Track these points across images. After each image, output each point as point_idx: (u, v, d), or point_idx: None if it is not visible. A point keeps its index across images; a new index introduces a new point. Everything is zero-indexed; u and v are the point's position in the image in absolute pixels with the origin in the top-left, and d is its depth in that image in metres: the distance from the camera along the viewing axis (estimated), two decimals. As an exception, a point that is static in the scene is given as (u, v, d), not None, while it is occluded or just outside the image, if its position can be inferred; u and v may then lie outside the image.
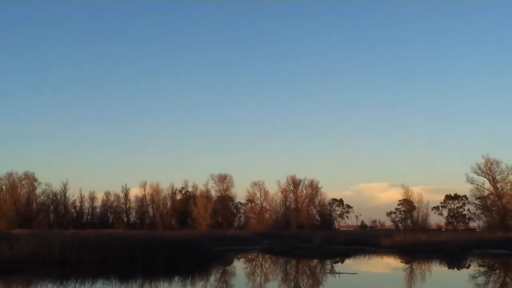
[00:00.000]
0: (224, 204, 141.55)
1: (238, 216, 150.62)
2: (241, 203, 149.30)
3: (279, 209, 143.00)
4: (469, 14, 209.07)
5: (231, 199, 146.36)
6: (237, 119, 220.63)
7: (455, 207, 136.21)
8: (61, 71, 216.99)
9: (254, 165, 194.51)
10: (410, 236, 66.58)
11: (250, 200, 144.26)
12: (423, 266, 43.89)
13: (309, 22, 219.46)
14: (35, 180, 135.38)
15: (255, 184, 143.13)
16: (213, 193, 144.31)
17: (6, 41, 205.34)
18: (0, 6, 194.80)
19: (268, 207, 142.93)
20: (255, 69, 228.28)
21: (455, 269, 43.42)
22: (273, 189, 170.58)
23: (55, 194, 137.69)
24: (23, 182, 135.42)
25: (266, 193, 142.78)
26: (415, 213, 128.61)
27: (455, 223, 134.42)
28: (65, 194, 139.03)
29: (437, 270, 40.80)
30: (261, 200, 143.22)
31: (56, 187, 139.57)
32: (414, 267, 43.32)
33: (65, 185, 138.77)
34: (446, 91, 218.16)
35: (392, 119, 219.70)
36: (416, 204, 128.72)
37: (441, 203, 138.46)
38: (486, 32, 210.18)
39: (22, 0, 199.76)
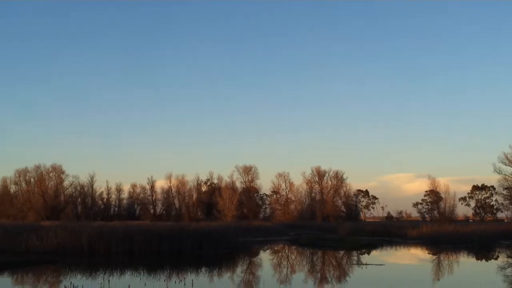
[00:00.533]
0: (249, 195, 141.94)
1: (264, 207, 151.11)
2: (266, 195, 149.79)
3: (304, 201, 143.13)
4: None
5: (256, 190, 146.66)
6: (262, 110, 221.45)
7: (482, 198, 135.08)
8: (87, 63, 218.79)
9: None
10: (437, 227, 66.10)
11: (275, 191, 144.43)
12: (451, 257, 43.55)
13: (336, 12, 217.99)
14: (63, 172, 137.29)
15: (280, 175, 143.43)
16: (238, 184, 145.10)
17: (26, 28, 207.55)
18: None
19: (293, 199, 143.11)
20: (278, 58, 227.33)
21: (483, 260, 43.01)
22: (298, 181, 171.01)
23: (82, 186, 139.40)
24: (51, 174, 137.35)
25: (291, 184, 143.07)
26: (442, 204, 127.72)
27: (483, 214, 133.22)
28: (92, 186, 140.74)
29: (465, 261, 40.46)
30: (286, 192, 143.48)
31: (83, 179, 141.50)
32: (442, 258, 43.01)
33: (92, 177, 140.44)
34: (473, 81, 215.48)
35: (418, 109, 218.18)
36: (443, 195, 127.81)
37: (468, 193, 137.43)
38: (505, 24, 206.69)
39: None
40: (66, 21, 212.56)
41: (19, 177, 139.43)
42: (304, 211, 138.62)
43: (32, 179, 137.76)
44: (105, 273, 28.86)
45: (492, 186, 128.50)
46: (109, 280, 24.93)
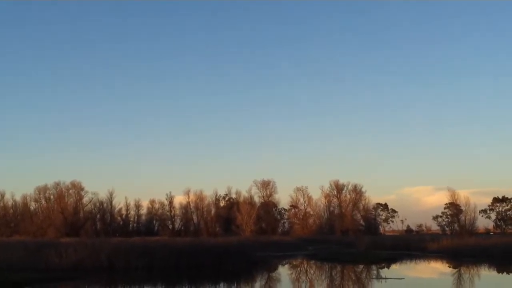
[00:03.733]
0: (267, 210, 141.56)
1: (282, 222, 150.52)
2: (284, 209, 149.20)
3: (322, 215, 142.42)
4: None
5: (274, 205, 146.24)
6: (279, 124, 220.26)
7: (503, 210, 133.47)
8: (104, 79, 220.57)
9: None
10: (457, 240, 65.47)
11: (294, 205, 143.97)
12: (472, 270, 43.10)
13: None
14: (82, 189, 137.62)
15: (298, 189, 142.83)
16: (257, 199, 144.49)
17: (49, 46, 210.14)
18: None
19: (311, 213, 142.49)
20: (293, 67, 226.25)
21: (505, 273, 42.50)
22: (317, 195, 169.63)
23: (101, 203, 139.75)
24: (71, 191, 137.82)
25: (309, 198, 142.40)
26: (462, 217, 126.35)
27: (504, 226, 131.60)
28: (111, 202, 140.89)
29: (486, 275, 40.00)
30: (304, 206, 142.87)
31: (103, 195, 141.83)
32: (462, 271, 42.58)
33: (111, 194, 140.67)
34: (491, 91, 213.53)
35: (436, 122, 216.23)
36: (463, 208, 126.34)
37: (488, 206, 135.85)
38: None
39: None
40: (91, 26, 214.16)
41: (39, 194, 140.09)
42: (323, 225, 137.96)
43: (51, 196, 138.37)
44: (124, 289, 28.97)
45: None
46: (128, 296, 25.04)
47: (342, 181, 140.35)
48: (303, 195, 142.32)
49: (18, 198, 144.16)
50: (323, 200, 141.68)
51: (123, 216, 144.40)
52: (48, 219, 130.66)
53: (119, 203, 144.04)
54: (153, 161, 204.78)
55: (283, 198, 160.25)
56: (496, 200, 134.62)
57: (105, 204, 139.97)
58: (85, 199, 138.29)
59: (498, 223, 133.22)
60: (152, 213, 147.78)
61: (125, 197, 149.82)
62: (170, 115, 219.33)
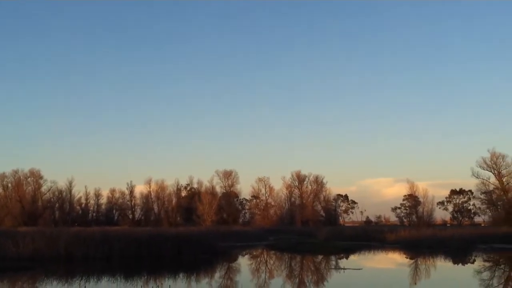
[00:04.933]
0: (229, 200, 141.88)
1: (243, 212, 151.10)
2: (246, 199, 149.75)
3: (284, 205, 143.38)
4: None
5: (236, 195, 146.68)
6: (242, 114, 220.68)
7: (460, 202, 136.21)
8: (66, 68, 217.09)
9: None
10: (415, 232, 66.53)
11: (255, 196, 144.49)
12: (428, 261, 43.82)
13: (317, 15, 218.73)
14: (41, 177, 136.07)
15: (260, 180, 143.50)
16: (218, 189, 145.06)
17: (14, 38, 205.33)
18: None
19: (273, 203, 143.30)
20: (260, 62, 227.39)
21: (460, 264, 43.33)
22: (278, 185, 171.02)
23: (60, 192, 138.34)
24: (29, 179, 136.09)
25: (271, 189, 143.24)
26: (420, 208, 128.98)
27: (460, 218, 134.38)
28: (70, 191, 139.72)
29: (442, 266, 40.74)
30: (266, 196, 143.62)
31: (62, 184, 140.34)
32: (419, 262, 43.26)
33: (70, 182, 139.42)
34: (452, 85, 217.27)
35: (397, 114, 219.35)
36: (421, 199, 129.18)
37: (446, 198, 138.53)
38: (493, 33, 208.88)
39: None
40: (46, 18, 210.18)
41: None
42: (284, 216, 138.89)
43: (9, 184, 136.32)
44: (81, 279, 28.62)
45: (470, 191, 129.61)
46: (85, 286, 24.75)
47: (304, 172, 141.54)
48: (265, 185, 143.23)
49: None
50: (285, 191, 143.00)
51: (83, 205, 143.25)
52: (6, 207, 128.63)
53: (78, 192, 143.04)
54: (114, 150, 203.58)
55: (244, 189, 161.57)
56: (453, 192, 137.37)
57: (64, 193, 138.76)
58: (44, 188, 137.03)
59: (455, 215, 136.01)
60: (112, 203, 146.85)
61: (85, 186, 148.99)
62: (132, 104, 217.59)
